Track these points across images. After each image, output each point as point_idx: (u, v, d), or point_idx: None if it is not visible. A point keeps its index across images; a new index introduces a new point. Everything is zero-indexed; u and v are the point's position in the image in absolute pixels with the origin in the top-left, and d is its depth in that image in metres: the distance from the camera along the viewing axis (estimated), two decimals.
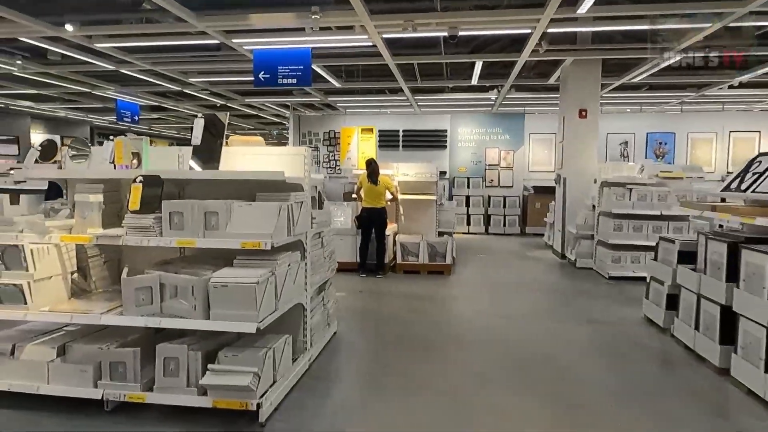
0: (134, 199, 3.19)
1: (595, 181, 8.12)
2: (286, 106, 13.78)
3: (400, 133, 13.53)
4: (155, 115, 16.00)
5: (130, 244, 3.11)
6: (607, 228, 7.35)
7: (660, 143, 12.95)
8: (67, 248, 3.36)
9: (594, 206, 8.01)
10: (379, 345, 4.54)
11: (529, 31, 6.52)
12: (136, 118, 12.53)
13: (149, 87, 11.12)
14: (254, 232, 3.04)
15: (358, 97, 12.13)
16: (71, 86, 10.87)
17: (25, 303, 3.06)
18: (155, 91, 11.63)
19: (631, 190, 7.26)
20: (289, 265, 3.34)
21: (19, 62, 8.67)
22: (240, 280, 2.92)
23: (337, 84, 10.08)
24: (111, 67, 8.85)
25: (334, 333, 4.65)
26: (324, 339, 4.31)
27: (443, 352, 4.35)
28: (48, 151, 3.58)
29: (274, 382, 3.15)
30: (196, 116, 3.59)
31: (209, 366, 2.95)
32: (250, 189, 3.43)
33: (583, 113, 8.71)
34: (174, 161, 3.78)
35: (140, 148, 3.65)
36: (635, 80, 9.34)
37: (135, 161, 3.69)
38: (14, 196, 7.83)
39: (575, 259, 8.24)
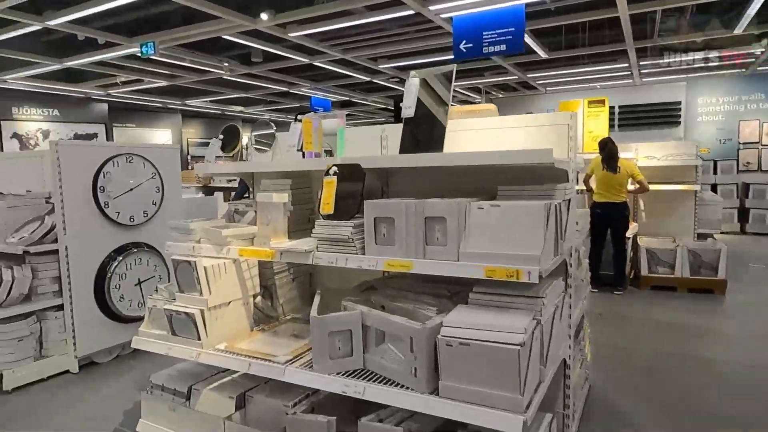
0: (327, 199, 2.24)
1: None
2: (477, 90, 12.53)
3: (616, 110, 11.18)
4: (346, 111, 16.24)
5: (322, 264, 2.16)
6: None
7: None
8: (248, 264, 2.58)
9: None
10: (660, 418, 2.95)
11: None
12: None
13: (340, 80, 10.97)
14: (506, 252, 1.81)
15: (562, 71, 10.23)
16: (272, 86, 11.27)
17: (198, 338, 2.33)
18: (345, 83, 11.46)
19: None
20: (555, 304, 2.05)
21: (226, 64, 9.04)
22: (491, 337, 1.72)
23: (543, 54, 8.43)
24: (305, 60, 8.68)
25: (589, 387, 3.22)
26: (581, 400, 2.92)
27: None
28: (230, 140, 2.85)
29: None
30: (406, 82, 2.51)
31: None
32: (485, 181, 2.23)
33: None
34: (375, 144, 2.78)
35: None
36: None
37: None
38: (227, 192, 7.98)
39: None
